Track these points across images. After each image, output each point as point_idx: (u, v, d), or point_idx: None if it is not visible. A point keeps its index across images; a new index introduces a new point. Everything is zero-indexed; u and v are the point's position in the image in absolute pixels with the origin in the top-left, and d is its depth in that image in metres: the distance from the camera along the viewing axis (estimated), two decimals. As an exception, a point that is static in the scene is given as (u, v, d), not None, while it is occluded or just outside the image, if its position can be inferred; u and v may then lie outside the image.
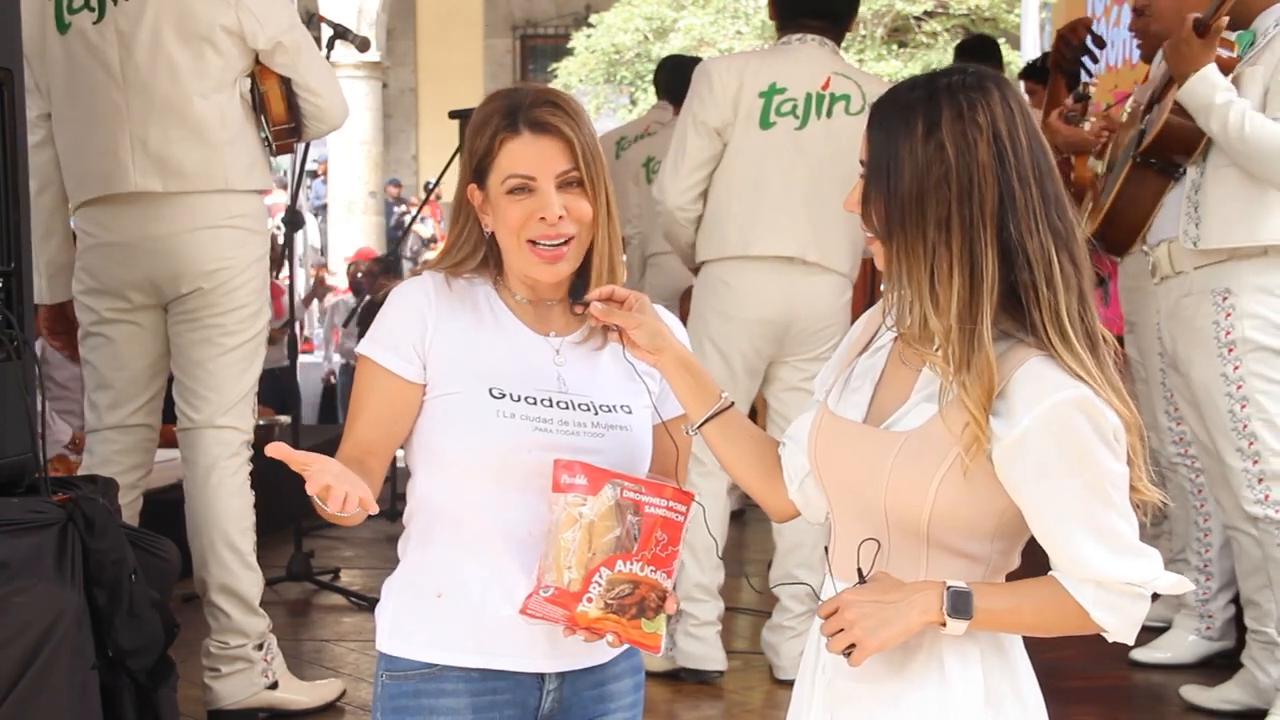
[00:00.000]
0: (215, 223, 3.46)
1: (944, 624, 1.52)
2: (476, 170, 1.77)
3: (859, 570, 1.57)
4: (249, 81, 3.50)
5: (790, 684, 1.80)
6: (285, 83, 3.50)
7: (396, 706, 1.76)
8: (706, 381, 1.76)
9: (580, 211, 1.74)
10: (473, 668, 1.75)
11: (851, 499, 1.63)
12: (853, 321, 2.02)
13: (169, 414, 6.76)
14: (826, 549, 1.69)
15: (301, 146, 5.46)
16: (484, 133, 1.76)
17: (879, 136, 1.56)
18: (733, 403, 1.77)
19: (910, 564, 1.58)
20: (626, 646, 1.83)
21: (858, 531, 1.61)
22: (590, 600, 1.64)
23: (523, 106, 1.75)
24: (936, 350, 1.53)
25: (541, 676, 1.78)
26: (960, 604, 1.51)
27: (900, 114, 1.55)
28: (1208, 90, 3.23)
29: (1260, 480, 3.38)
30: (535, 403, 1.74)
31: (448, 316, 1.77)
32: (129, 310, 3.52)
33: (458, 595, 1.75)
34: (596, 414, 1.77)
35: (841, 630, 1.52)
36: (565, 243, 1.74)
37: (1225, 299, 3.36)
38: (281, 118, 3.49)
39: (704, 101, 3.86)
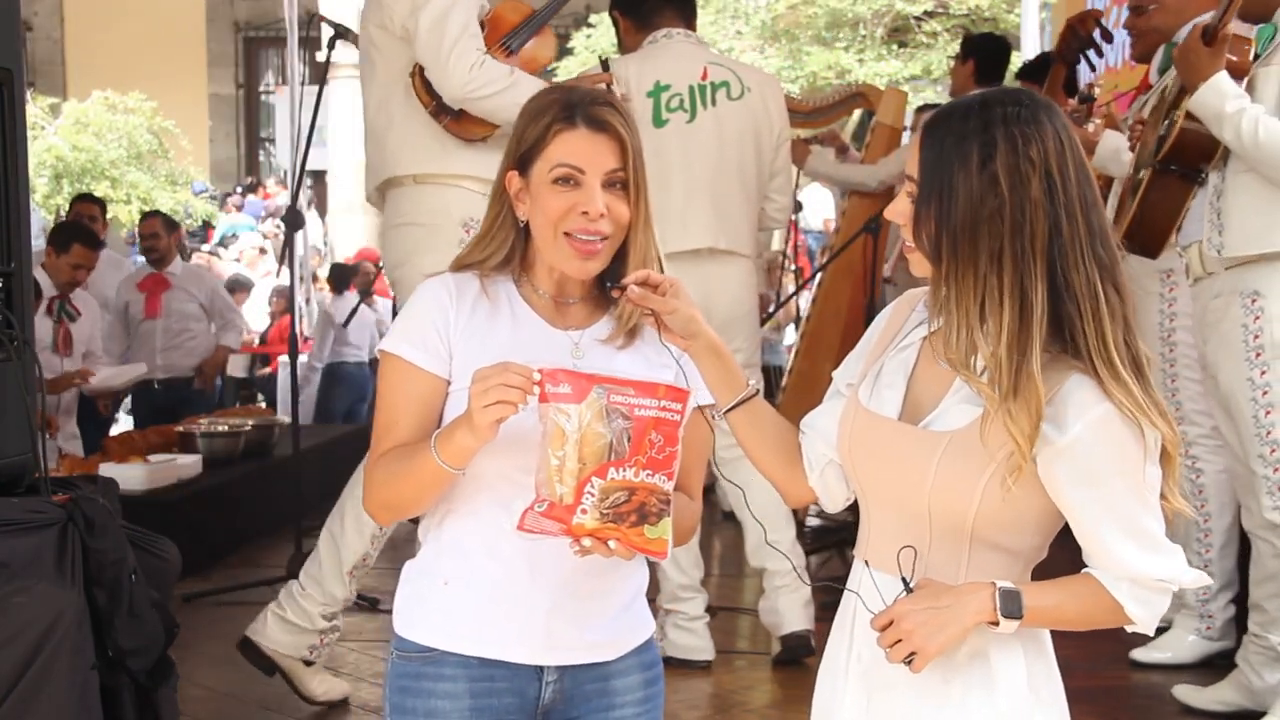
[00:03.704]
0: (394, 223, 3.61)
1: (997, 623, 1.58)
2: (522, 157, 1.80)
3: (903, 580, 1.61)
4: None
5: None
6: None
7: (401, 686, 1.82)
8: (734, 369, 1.80)
9: (619, 213, 1.77)
10: (471, 655, 1.78)
11: (889, 495, 1.67)
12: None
13: (167, 416, 6.75)
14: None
15: (302, 147, 5.49)
16: (539, 121, 1.79)
17: (931, 158, 1.60)
18: (758, 390, 1.81)
19: (951, 560, 1.63)
20: (639, 645, 1.86)
21: (895, 525, 1.66)
22: (584, 512, 1.60)
23: (582, 103, 1.79)
24: (982, 375, 1.57)
25: (540, 669, 1.80)
26: (1012, 604, 1.57)
27: (955, 140, 1.58)
28: (1217, 100, 3.20)
29: None
30: None
31: (468, 313, 1.80)
32: None
33: (464, 585, 1.79)
34: None
35: (900, 640, 1.57)
36: (601, 240, 1.76)
37: (1254, 302, 3.32)
38: (426, 100, 3.53)
39: None
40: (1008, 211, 1.55)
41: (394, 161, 3.57)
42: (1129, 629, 1.63)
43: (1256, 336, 3.33)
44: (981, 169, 1.56)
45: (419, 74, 3.49)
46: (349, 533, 3.54)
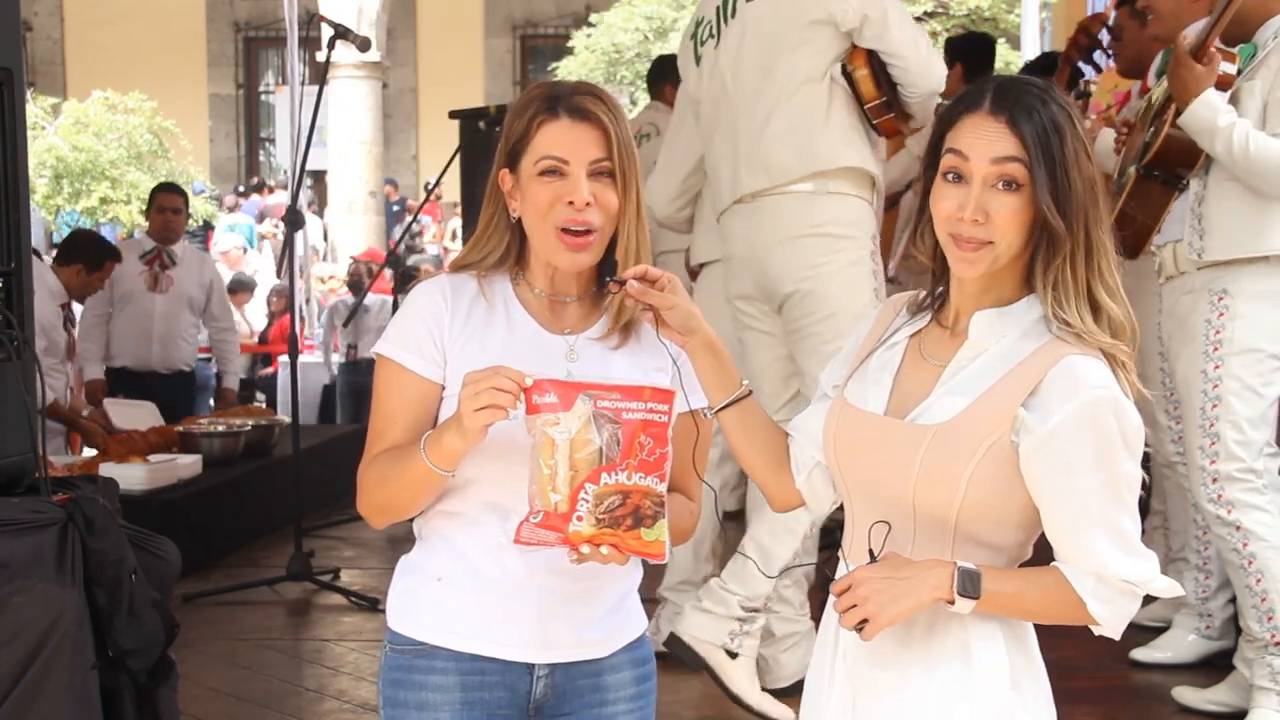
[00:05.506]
0: (802, 232, 3.49)
1: (952, 602, 1.57)
2: (510, 154, 1.80)
3: (870, 551, 1.61)
4: (839, 67, 3.48)
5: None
6: (872, 57, 3.46)
7: (394, 679, 1.83)
8: (730, 368, 1.79)
9: (607, 202, 1.76)
10: (463, 651, 1.79)
11: (874, 491, 1.67)
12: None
13: (167, 415, 6.74)
14: (836, 537, 1.71)
15: (302, 147, 5.49)
16: (523, 116, 1.79)
17: (1030, 129, 1.58)
18: (750, 391, 1.81)
19: (935, 555, 1.62)
20: (631, 641, 1.86)
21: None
22: (580, 519, 1.60)
23: (564, 94, 1.79)
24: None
25: (531, 665, 1.80)
26: (969, 584, 1.56)
27: (1054, 128, 1.58)
28: (1210, 114, 3.30)
29: (1214, 480, 3.45)
30: None
31: (462, 316, 1.80)
32: (754, 316, 3.68)
33: (456, 582, 1.80)
34: None
35: (854, 606, 1.57)
36: (588, 232, 1.75)
37: (1221, 299, 3.44)
38: (873, 94, 3.45)
39: None
40: (1099, 181, 1.60)
41: (831, 155, 3.46)
42: (1095, 630, 1.61)
43: (1218, 332, 3.44)
44: (1079, 150, 1.59)
45: (869, 67, 3.42)
46: (781, 539, 3.49)
